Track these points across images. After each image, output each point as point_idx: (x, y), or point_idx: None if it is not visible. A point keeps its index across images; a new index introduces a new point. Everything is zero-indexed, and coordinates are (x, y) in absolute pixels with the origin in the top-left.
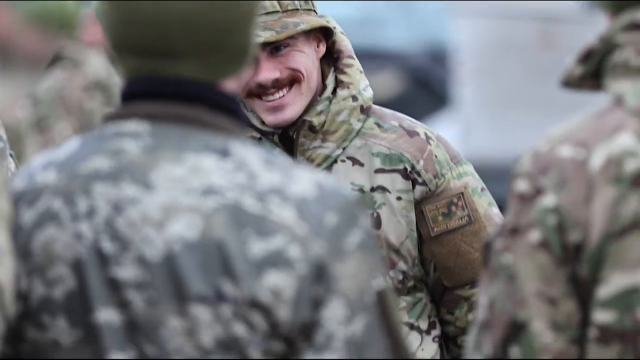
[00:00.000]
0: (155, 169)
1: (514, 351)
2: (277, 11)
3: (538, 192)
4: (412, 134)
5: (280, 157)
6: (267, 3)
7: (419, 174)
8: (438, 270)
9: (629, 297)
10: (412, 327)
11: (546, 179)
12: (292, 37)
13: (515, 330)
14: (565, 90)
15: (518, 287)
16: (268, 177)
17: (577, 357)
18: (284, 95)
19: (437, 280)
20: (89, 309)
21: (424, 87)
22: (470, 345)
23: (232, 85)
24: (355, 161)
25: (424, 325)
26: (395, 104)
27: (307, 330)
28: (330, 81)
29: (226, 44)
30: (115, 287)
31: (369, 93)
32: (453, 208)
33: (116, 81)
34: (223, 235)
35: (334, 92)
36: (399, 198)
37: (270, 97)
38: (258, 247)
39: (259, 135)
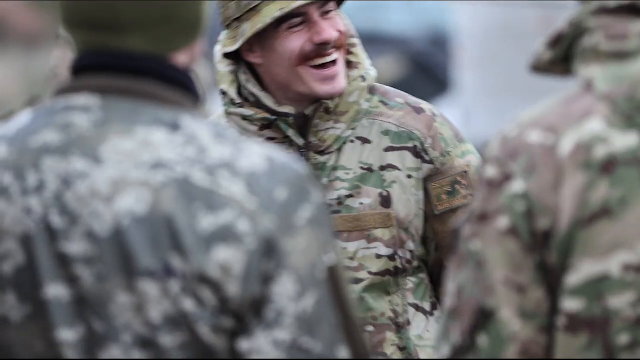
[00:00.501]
0: (104, 142)
1: (482, 339)
2: None
3: (507, 177)
4: (418, 110)
5: (232, 130)
6: None
7: (426, 152)
8: (439, 249)
9: (598, 285)
10: (417, 308)
11: (515, 164)
12: (330, 1)
13: (483, 318)
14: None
15: (486, 274)
16: (218, 150)
17: (546, 345)
18: (337, 60)
19: (436, 259)
20: (38, 284)
21: (425, 71)
22: (438, 334)
23: (183, 58)
24: (364, 140)
25: (427, 306)
26: (396, 88)
27: (257, 306)
28: None
29: (175, 15)
30: (64, 262)
31: (373, 72)
32: (457, 187)
33: None
34: (172, 209)
35: None
36: (409, 176)
37: (328, 59)
38: (207, 222)
39: (273, 117)
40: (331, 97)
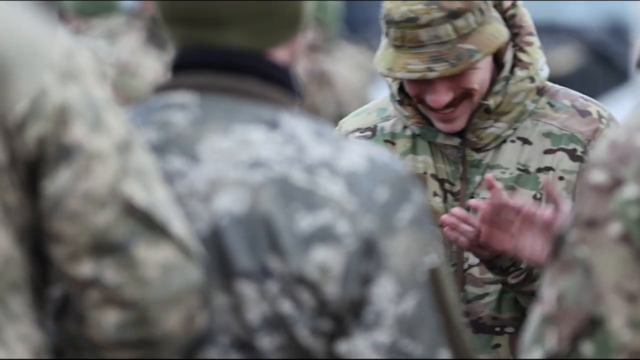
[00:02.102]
0: (202, 141)
1: (587, 347)
2: (452, 39)
3: (617, 182)
4: (584, 113)
5: (331, 129)
6: (442, 32)
7: (587, 154)
8: None
9: None
10: None
11: (626, 169)
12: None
13: (591, 326)
14: None
15: (595, 281)
16: (318, 149)
17: None
18: (455, 109)
19: None
20: None
21: (603, 61)
22: (528, 339)
23: (283, 54)
24: (525, 141)
25: None
26: (575, 79)
27: (356, 307)
28: (508, 59)
29: (275, 10)
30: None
31: (545, 72)
32: None
33: None
34: (270, 209)
35: (512, 69)
36: (561, 177)
37: (441, 112)
38: (306, 222)
39: (420, 125)
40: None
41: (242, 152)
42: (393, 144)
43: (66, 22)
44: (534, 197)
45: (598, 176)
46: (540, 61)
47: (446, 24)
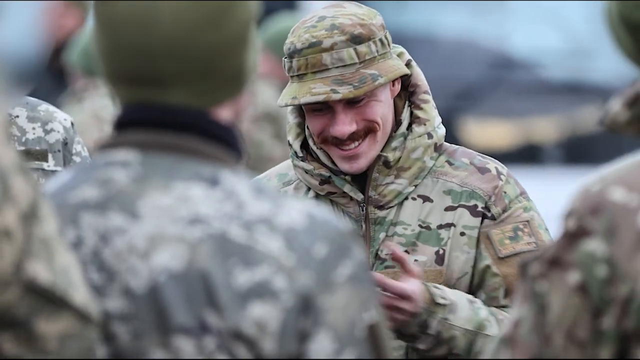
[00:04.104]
0: (143, 197)
1: None
2: (355, 63)
3: (585, 232)
4: (483, 170)
5: (271, 187)
6: (345, 55)
7: (489, 210)
8: (508, 295)
9: None
10: None
11: (595, 221)
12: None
13: None
14: None
15: (548, 321)
16: (257, 206)
17: None
18: (359, 145)
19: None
20: None
21: None
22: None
23: (226, 112)
24: (426, 199)
25: None
26: (600, 138)
27: None
28: (405, 116)
29: (216, 68)
30: (102, 320)
31: (442, 130)
32: (519, 233)
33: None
34: (208, 265)
35: (409, 127)
36: (462, 233)
37: (346, 147)
38: (243, 278)
39: (328, 174)
40: (353, 174)
41: (182, 209)
42: None
43: (73, 81)
44: (436, 252)
45: (569, 222)
46: (437, 119)
47: (349, 47)
